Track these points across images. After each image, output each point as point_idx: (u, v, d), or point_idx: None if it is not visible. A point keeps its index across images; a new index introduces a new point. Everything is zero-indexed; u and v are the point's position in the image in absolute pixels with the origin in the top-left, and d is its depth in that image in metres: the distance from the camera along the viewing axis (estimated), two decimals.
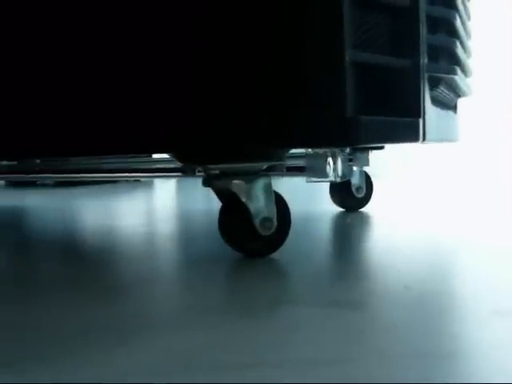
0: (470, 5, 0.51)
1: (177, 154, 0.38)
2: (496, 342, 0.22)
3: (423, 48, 0.34)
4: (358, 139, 0.30)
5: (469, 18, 0.50)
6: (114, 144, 0.35)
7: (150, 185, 1.36)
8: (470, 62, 0.50)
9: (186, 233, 0.57)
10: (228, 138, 0.32)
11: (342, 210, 0.64)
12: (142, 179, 1.48)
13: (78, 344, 0.22)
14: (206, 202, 0.88)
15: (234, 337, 0.23)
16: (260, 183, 0.37)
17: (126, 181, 1.44)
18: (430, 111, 0.36)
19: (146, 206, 0.89)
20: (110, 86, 0.34)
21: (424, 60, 0.34)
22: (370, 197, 0.64)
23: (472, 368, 0.20)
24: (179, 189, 1.25)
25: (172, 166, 0.63)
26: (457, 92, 0.49)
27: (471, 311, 0.26)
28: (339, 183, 0.59)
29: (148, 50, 0.33)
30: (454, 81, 0.41)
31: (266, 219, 0.37)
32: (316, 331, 0.24)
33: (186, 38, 0.32)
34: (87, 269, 0.39)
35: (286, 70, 0.30)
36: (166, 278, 0.33)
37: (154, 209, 0.86)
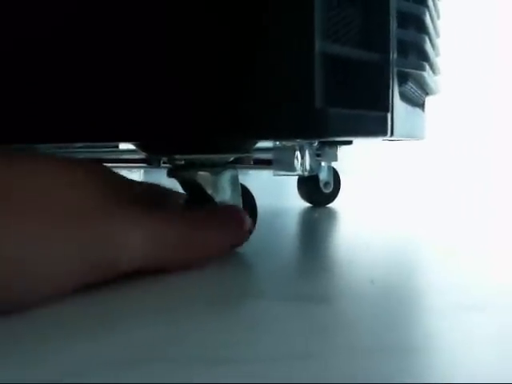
0: (439, 3, 0.51)
1: (141, 144, 0.36)
2: (461, 336, 0.22)
3: (393, 42, 0.34)
4: (326, 132, 0.30)
5: (438, 17, 0.50)
6: (76, 131, 0.34)
7: None
8: (439, 60, 0.50)
9: None
10: (193, 129, 0.31)
11: (309, 205, 0.64)
12: None
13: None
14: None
15: (197, 332, 0.22)
16: (226, 175, 0.36)
17: None
18: (399, 107, 0.36)
19: None
20: (72, 69, 0.32)
21: (393, 54, 0.34)
22: (337, 192, 0.64)
23: (438, 362, 0.19)
24: (145, 180, 1.23)
25: (137, 156, 0.62)
26: (425, 89, 0.49)
27: (436, 306, 0.26)
28: (307, 178, 0.59)
29: (112, 35, 0.31)
30: (422, 77, 0.41)
31: None
32: (280, 326, 0.23)
33: (150, 23, 0.31)
34: None
35: (254, 60, 0.30)
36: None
37: None
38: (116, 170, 0.34)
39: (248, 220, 0.34)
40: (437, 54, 0.50)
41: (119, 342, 0.21)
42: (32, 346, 0.21)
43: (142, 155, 0.38)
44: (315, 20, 0.29)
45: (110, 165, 0.45)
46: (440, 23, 0.52)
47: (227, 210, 0.34)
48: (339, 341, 0.22)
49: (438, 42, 0.51)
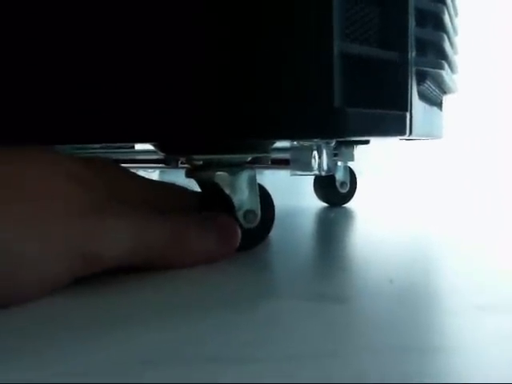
0: (457, 1, 0.50)
1: (159, 145, 0.37)
2: (478, 336, 0.22)
3: (411, 41, 0.34)
4: (345, 131, 0.30)
5: (456, 15, 0.50)
6: (95, 132, 0.34)
7: None
8: (457, 59, 0.50)
9: None
10: (212, 129, 0.31)
11: (325, 204, 0.63)
12: None
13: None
14: None
15: (217, 331, 0.22)
16: (244, 175, 0.36)
17: None
18: (417, 106, 0.36)
19: None
20: (91, 72, 0.33)
21: (412, 53, 0.34)
22: (353, 192, 0.63)
23: (455, 362, 0.19)
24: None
25: (155, 157, 0.62)
26: (443, 88, 0.48)
27: (455, 305, 0.26)
28: (323, 178, 0.59)
29: (130, 39, 0.32)
30: (440, 76, 0.40)
31: (250, 212, 0.36)
32: (300, 325, 0.23)
33: (168, 28, 0.31)
34: None
35: (273, 60, 0.30)
36: (153, 271, 0.33)
37: None
38: (133, 171, 0.34)
39: (238, 234, 0.34)
40: (455, 52, 0.49)
41: (136, 342, 0.21)
42: (37, 345, 0.21)
43: (159, 156, 0.39)
44: (334, 20, 0.29)
45: (126, 165, 0.45)
46: (458, 21, 0.52)
47: (221, 219, 0.34)
48: (358, 340, 0.22)
49: (457, 40, 0.51)
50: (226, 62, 0.30)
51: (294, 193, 0.79)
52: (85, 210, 0.26)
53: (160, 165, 0.63)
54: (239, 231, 0.34)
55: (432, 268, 0.36)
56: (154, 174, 1.29)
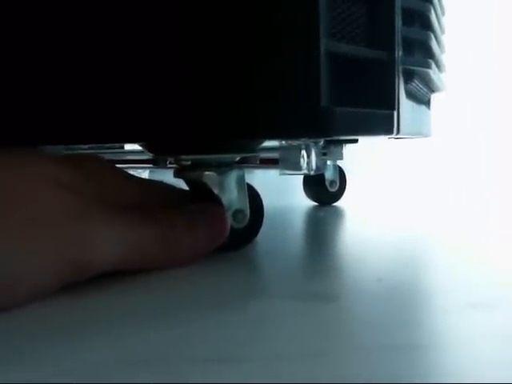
0: (444, 0, 0.51)
1: (147, 145, 0.37)
2: (468, 335, 0.22)
3: (398, 40, 0.34)
4: (332, 130, 0.30)
5: (443, 13, 0.50)
6: (83, 133, 0.34)
7: None
8: (444, 57, 0.50)
9: None
10: (200, 129, 0.31)
11: (315, 203, 0.63)
12: None
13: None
14: None
15: (208, 331, 0.22)
16: (233, 175, 0.36)
17: None
18: (405, 104, 0.36)
19: None
20: (79, 73, 0.33)
21: (399, 52, 0.34)
22: (343, 191, 0.64)
23: (445, 361, 0.19)
24: None
25: (144, 157, 0.62)
26: (430, 87, 0.49)
27: (444, 304, 0.26)
28: (313, 177, 0.59)
29: (118, 39, 0.32)
30: (427, 75, 0.41)
31: (239, 211, 0.36)
32: (290, 324, 0.23)
33: (156, 28, 0.31)
34: None
35: (260, 60, 0.30)
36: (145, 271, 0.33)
37: None
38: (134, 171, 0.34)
39: (226, 218, 0.34)
40: (442, 51, 0.50)
41: (129, 342, 0.21)
42: (36, 347, 0.21)
43: (147, 156, 0.39)
44: (320, 18, 0.29)
45: (117, 166, 0.45)
46: (445, 19, 0.52)
47: (207, 209, 0.34)
48: (348, 339, 0.22)
49: (443, 38, 0.51)
50: (214, 62, 0.30)
51: (283, 192, 0.79)
52: (72, 216, 0.26)
53: (148, 165, 0.62)
54: (228, 221, 0.34)
55: (422, 266, 0.36)
56: (144, 174, 1.29)
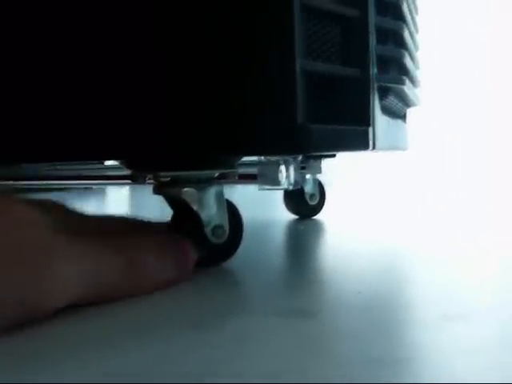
0: (418, 18, 0.52)
1: (126, 161, 0.37)
2: (446, 346, 0.22)
3: (373, 58, 0.34)
4: (309, 147, 0.31)
5: (417, 31, 0.51)
6: (62, 150, 0.34)
7: (101, 192, 1.33)
8: (419, 73, 0.51)
9: None
10: (179, 146, 0.32)
11: (295, 217, 0.64)
12: (94, 187, 1.45)
13: None
14: (160, 210, 0.86)
15: (187, 349, 0.22)
16: (212, 191, 0.36)
17: (77, 188, 1.40)
18: (380, 120, 0.37)
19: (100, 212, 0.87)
20: (59, 91, 0.33)
21: (373, 70, 0.35)
22: (323, 204, 0.64)
23: (426, 373, 0.20)
24: (133, 196, 1.23)
25: (124, 173, 0.62)
26: (406, 102, 0.50)
27: (421, 316, 0.27)
28: (293, 191, 0.60)
29: (98, 59, 0.32)
30: (402, 91, 0.41)
31: (218, 227, 0.37)
32: (270, 341, 0.23)
33: (132, 47, 0.31)
34: None
35: (238, 78, 0.30)
36: None
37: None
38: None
39: (194, 257, 0.34)
40: (417, 68, 0.51)
41: (106, 363, 0.21)
42: (36, 364, 0.21)
43: (128, 172, 0.39)
44: (296, 38, 0.29)
45: (94, 182, 0.44)
46: (419, 36, 0.53)
47: (176, 243, 0.34)
48: (329, 354, 0.22)
49: (418, 55, 0.52)
50: (192, 80, 0.30)
51: (264, 205, 0.79)
52: (30, 255, 0.25)
53: (127, 181, 0.62)
54: (194, 254, 0.34)
55: (399, 279, 0.37)
56: (124, 190, 1.28)
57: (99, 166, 0.71)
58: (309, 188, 0.62)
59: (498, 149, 1.17)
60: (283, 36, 0.29)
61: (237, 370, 0.20)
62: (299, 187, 0.56)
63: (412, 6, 0.46)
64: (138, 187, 1.01)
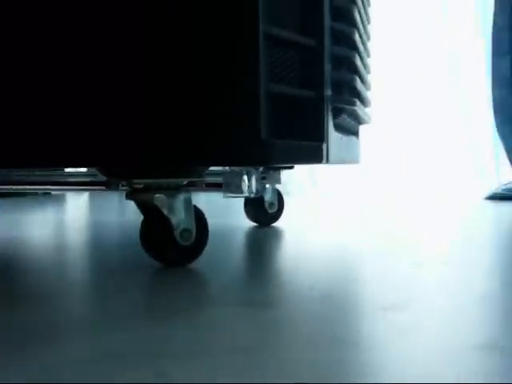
0: (369, 44, 0.57)
1: (103, 169, 0.40)
2: (385, 334, 0.26)
3: (327, 82, 0.39)
4: (270, 159, 0.35)
5: (368, 56, 0.57)
6: (38, 157, 0.37)
7: (61, 198, 1.33)
8: (369, 94, 0.56)
9: (103, 244, 0.58)
10: (152, 155, 0.35)
11: (255, 224, 0.68)
12: (53, 192, 1.44)
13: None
14: (120, 215, 0.89)
15: (155, 334, 0.26)
16: (181, 197, 0.40)
17: (36, 194, 1.39)
18: (333, 137, 0.41)
19: (60, 218, 0.88)
20: (31, 93, 0.35)
21: (328, 92, 0.39)
22: (281, 212, 0.69)
23: (371, 356, 0.24)
24: (92, 202, 1.24)
25: (84, 179, 0.64)
26: (358, 120, 0.55)
27: (364, 307, 0.31)
28: (253, 199, 0.64)
29: (73, 60, 0.35)
30: (354, 111, 0.46)
31: (186, 230, 0.40)
32: (231, 326, 0.27)
33: (107, 55, 0.34)
34: None
35: (210, 96, 0.34)
36: (82, 286, 0.35)
37: (68, 221, 0.85)
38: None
39: None
40: (367, 89, 0.56)
41: (94, 342, 0.24)
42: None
43: (92, 178, 0.41)
44: (260, 63, 0.33)
45: (65, 187, 0.46)
46: (370, 61, 0.59)
47: None
48: (285, 335, 0.26)
49: (369, 78, 0.57)
50: (164, 94, 0.34)
51: (227, 213, 0.83)
52: None
53: (101, 187, 0.64)
54: None
55: (348, 277, 0.41)
56: (84, 196, 1.29)
57: (61, 172, 0.72)
58: (268, 197, 0.66)
59: (434, 159, 1.25)
60: (250, 61, 0.33)
61: (199, 350, 0.24)
62: (259, 196, 0.60)
63: (364, 35, 0.51)
64: (100, 194, 1.02)
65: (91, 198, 1.41)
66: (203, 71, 0.34)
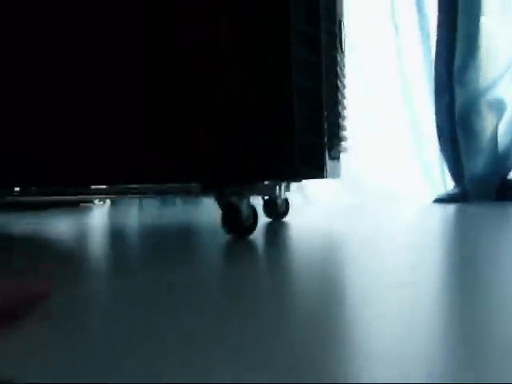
0: (346, 100, 0.90)
1: (204, 183, 0.71)
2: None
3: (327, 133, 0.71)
4: (299, 176, 0.66)
5: (344, 97, 0.89)
6: (165, 175, 0.67)
7: (88, 209, 1.53)
8: (346, 133, 0.89)
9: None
10: (231, 171, 0.66)
11: (269, 219, 0.99)
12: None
13: None
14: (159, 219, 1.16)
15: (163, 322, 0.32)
16: (245, 199, 0.71)
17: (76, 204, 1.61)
18: (328, 163, 0.74)
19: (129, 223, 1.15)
20: (140, 124, 0.66)
21: (326, 139, 0.71)
22: (287, 212, 1.00)
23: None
24: (113, 212, 1.47)
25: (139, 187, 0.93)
26: (339, 151, 0.87)
27: (371, 283, 0.43)
28: (268, 201, 0.95)
29: (75, 86, 0.66)
30: (338, 148, 0.79)
31: (248, 217, 0.71)
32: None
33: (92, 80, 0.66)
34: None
35: (254, 128, 0.65)
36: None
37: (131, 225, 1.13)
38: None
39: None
40: (345, 130, 0.89)
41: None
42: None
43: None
44: (294, 114, 0.65)
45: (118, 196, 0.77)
46: (347, 103, 0.91)
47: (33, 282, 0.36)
48: (279, 313, 0.46)
49: (345, 121, 0.90)
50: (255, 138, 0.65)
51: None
52: None
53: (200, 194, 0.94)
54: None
55: (343, 268, 0.72)
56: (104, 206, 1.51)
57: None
58: (279, 201, 0.98)
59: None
60: (283, 113, 0.65)
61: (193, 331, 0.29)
62: (273, 199, 0.92)
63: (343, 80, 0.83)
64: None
65: (112, 207, 1.63)
66: (166, 103, 0.65)
